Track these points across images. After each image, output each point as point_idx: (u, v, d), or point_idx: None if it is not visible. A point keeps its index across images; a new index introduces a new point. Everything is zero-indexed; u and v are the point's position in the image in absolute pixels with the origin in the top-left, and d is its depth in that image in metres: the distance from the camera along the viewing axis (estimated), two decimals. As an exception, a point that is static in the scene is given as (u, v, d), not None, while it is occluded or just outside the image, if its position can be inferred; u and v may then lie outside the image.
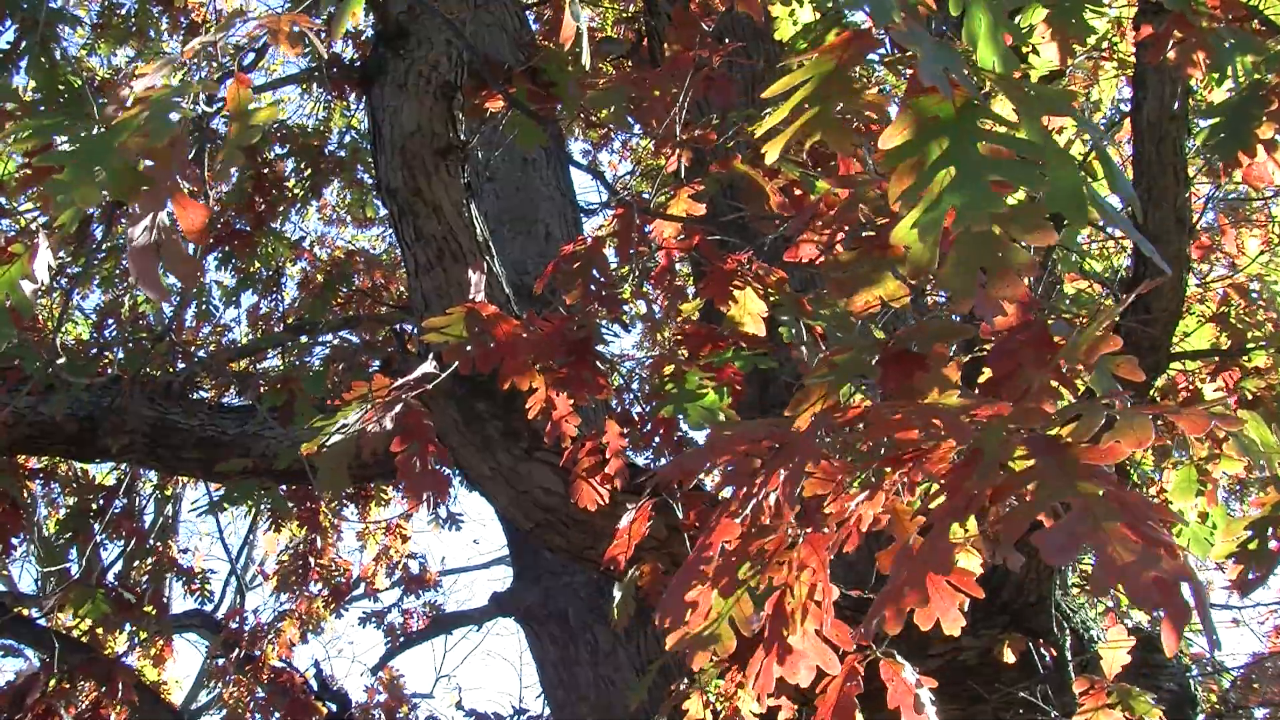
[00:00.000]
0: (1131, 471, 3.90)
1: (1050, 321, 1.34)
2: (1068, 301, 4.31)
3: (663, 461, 3.16)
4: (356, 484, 5.79)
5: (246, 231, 5.46)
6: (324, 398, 4.61)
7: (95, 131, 1.34)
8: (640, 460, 3.85)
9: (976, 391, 1.38)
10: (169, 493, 6.94)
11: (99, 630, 5.54)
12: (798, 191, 2.59)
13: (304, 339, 5.75)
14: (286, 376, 5.01)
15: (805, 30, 3.19)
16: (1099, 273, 4.75)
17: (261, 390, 4.85)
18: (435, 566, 8.43)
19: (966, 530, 1.38)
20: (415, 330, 3.39)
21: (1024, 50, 2.61)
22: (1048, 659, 3.01)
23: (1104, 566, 0.90)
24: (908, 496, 1.33)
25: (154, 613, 5.68)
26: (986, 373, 1.37)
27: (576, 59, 3.19)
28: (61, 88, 2.48)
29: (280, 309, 6.33)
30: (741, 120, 3.08)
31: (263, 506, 4.72)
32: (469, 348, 2.13)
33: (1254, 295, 4.02)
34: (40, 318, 5.29)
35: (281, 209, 5.74)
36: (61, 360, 4.17)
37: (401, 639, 7.31)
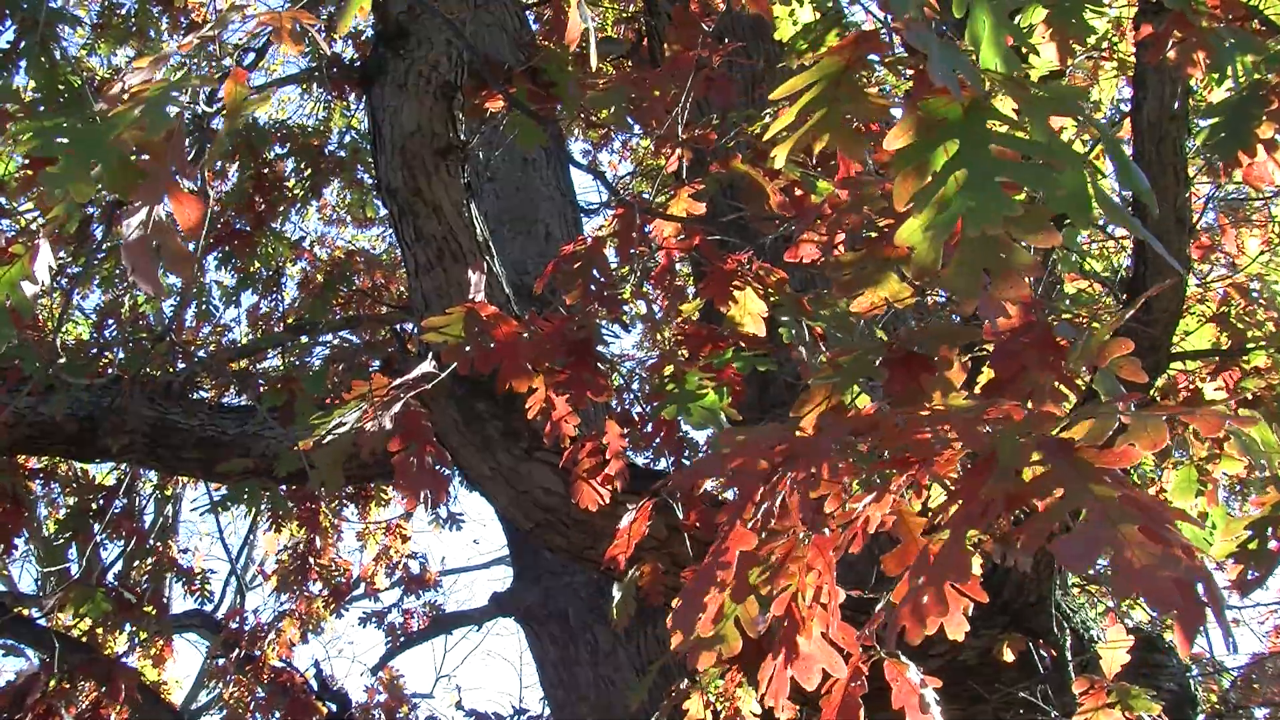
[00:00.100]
0: (1132, 471, 3.90)
1: (1053, 323, 1.34)
2: (1068, 301, 4.31)
3: (663, 462, 3.16)
4: (356, 484, 5.79)
5: (246, 231, 5.46)
6: (324, 398, 4.61)
7: (90, 125, 1.34)
8: (640, 460, 3.85)
9: (978, 392, 1.37)
10: (169, 493, 6.94)
11: (99, 630, 5.54)
12: (798, 191, 2.59)
13: (304, 339, 5.76)
14: (287, 376, 5.01)
15: (805, 30, 3.19)
16: (1099, 272, 4.75)
17: (261, 390, 4.85)
18: (435, 566, 8.43)
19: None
20: (415, 330, 3.39)
21: (1024, 51, 2.61)
22: (1048, 659, 3.01)
23: (1124, 571, 0.90)
24: (915, 499, 1.33)
25: (154, 613, 5.68)
26: (987, 373, 1.37)
27: (581, 59, 3.19)
28: (61, 87, 2.48)
29: (280, 309, 6.34)
30: (741, 120, 3.08)
31: (263, 507, 4.72)
32: (468, 348, 2.13)
33: (1254, 295, 4.02)
34: (40, 318, 5.29)
35: (281, 209, 5.74)
36: (61, 360, 4.17)
37: (401, 639, 7.31)
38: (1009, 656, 2.94)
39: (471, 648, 39.34)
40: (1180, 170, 2.89)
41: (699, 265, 4.16)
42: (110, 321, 5.69)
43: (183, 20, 6.28)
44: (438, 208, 3.03)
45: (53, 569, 5.75)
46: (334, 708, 5.93)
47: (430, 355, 2.31)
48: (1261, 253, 4.60)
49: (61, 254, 4.74)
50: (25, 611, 5.43)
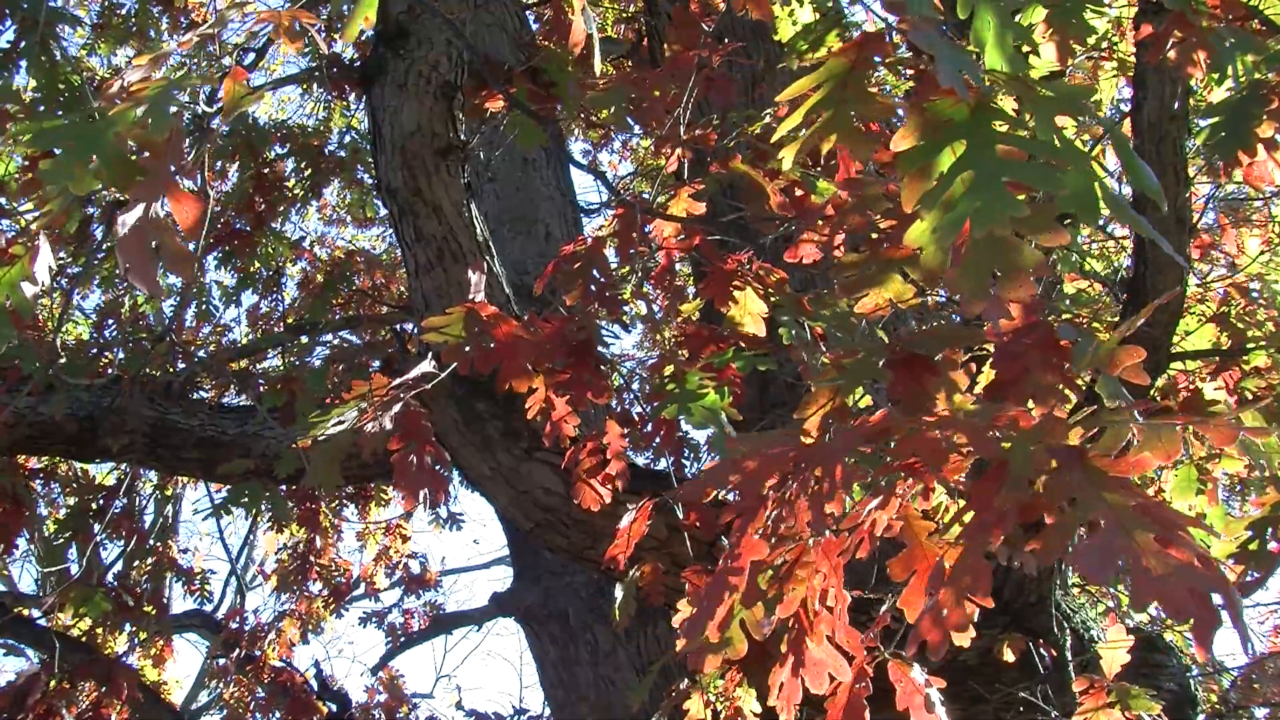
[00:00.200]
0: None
1: (1055, 324, 1.34)
2: (1068, 301, 4.31)
3: (663, 462, 3.16)
4: (356, 484, 5.79)
5: (246, 231, 5.46)
6: (324, 397, 4.61)
7: (89, 122, 1.34)
8: (640, 460, 3.85)
9: (980, 393, 1.37)
10: (169, 493, 6.94)
11: (99, 630, 5.54)
12: (798, 191, 2.59)
13: (304, 339, 5.75)
14: (287, 376, 5.00)
15: (805, 30, 3.19)
16: (1099, 272, 4.75)
17: (262, 391, 4.85)
18: (435, 566, 8.43)
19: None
20: (415, 330, 3.39)
21: (1024, 51, 2.60)
22: (1048, 659, 3.01)
23: (1141, 582, 0.90)
24: (922, 503, 1.33)
25: (154, 613, 5.68)
26: (988, 373, 1.37)
27: (582, 62, 3.19)
28: (62, 86, 2.48)
29: (280, 309, 6.33)
30: (742, 120, 3.08)
31: (264, 508, 4.72)
32: (468, 348, 2.13)
33: (1254, 295, 4.02)
34: (40, 318, 5.29)
35: (281, 209, 5.74)
36: (61, 360, 4.17)
37: (402, 639, 7.31)
38: (1009, 656, 2.94)
39: (472, 648, 39.36)
40: (1180, 170, 2.89)
41: (699, 265, 4.16)
42: (110, 321, 5.69)
43: (183, 20, 6.28)
44: (438, 208, 3.03)
45: (53, 569, 5.75)
46: (334, 708, 5.93)
47: (430, 355, 2.31)
48: (1261, 253, 4.59)
49: (61, 254, 4.74)
50: (25, 611, 5.43)
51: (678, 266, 3.34)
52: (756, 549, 1.25)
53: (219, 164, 5.72)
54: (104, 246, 4.73)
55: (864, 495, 1.32)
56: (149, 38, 5.89)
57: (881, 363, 1.41)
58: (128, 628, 5.69)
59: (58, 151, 1.30)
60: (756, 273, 2.37)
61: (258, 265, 5.70)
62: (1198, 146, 3.08)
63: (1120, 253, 5.02)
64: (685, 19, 3.07)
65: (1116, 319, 3.42)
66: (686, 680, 2.53)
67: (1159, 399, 3.56)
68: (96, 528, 5.18)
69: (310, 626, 6.74)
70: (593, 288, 2.42)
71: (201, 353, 6.01)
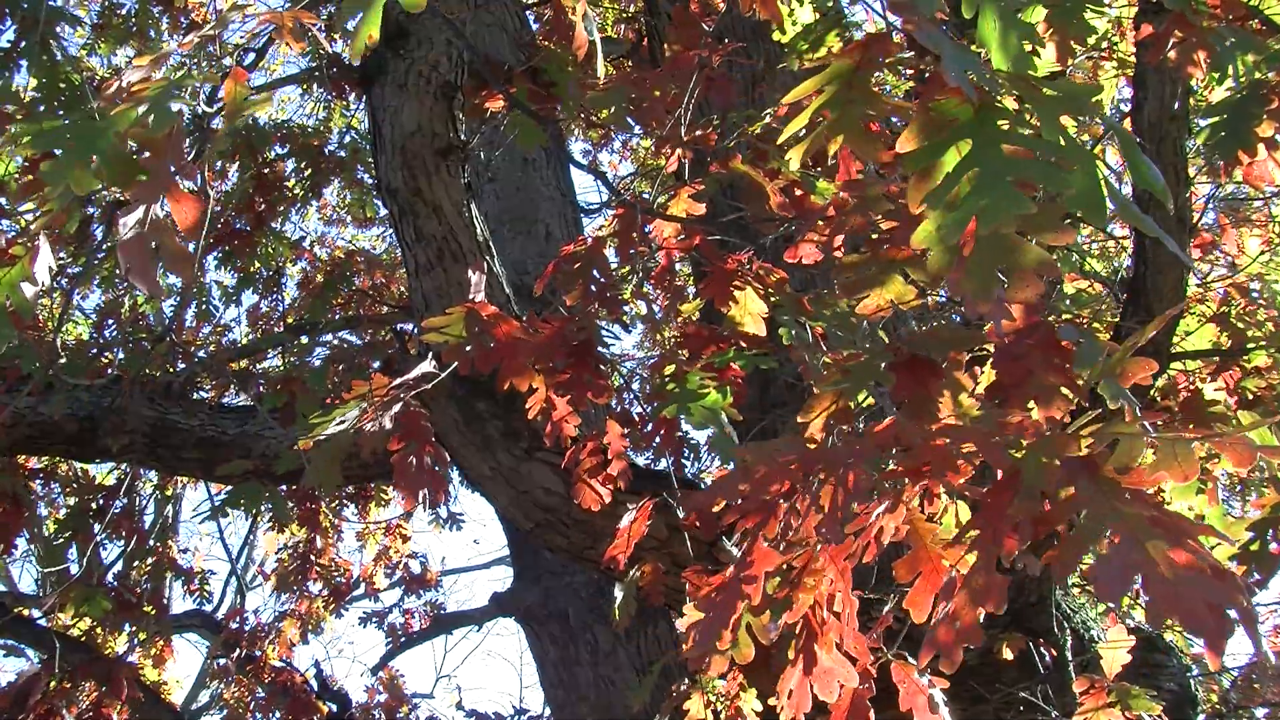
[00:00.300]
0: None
1: (1056, 325, 1.34)
2: (1068, 301, 4.31)
3: (663, 462, 3.16)
4: (356, 484, 5.79)
5: (246, 231, 5.46)
6: (325, 397, 4.61)
7: (90, 121, 1.34)
8: (641, 460, 3.85)
9: (981, 395, 1.37)
10: (169, 493, 6.94)
11: (99, 630, 5.54)
12: (798, 192, 2.59)
13: (304, 339, 5.75)
14: (287, 377, 5.01)
15: (805, 30, 3.19)
16: (1099, 272, 4.75)
17: (262, 391, 4.85)
18: (436, 566, 8.43)
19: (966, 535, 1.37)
20: (415, 330, 3.39)
21: (1029, 50, 2.60)
22: (1048, 659, 3.01)
23: (1157, 596, 0.89)
24: (929, 507, 1.33)
25: (154, 613, 5.68)
26: (988, 374, 1.37)
27: (585, 67, 3.19)
28: (62, 85, 2.48)
29: (280, 309, 6.33)
30: (742, 120, 3.08)
31: (263, 509, 4.72)
32: (469, 348, 2.13)
33: (1254, 295, 4.02)
34: (40, 318, 5.29)
35: (281, 209, 5.74)
36: (61, 360, 4.17)
37: (402, 639, 7.31)
38: (1009, 656, 2.94)
39: (472, 648, 39.35)
40: (1180, 170, 2.89)
41: (699, 265, 4.16)
42: (110, 321, 5.69)
43: (183, 20, 6.28)
44: (438, 208, 3.03)
45: (53, 569, 5.74)
46: (334, 708, 5.94)
47: (430, 355, 2.31)
48: (1261, 253, 4.59)
49: (61, 254, 4.74)
50: (25, 611, 5.43)
51: (678, 266, 3.34)
52: (769, 558, 1.25)
53: (219, 164, 5.72)
54: (104, 246, 4.73)
55: (870, 499, 1.32)
56: (149, 38, 5.89)
57: (885, 366, 1.41)
58: (128, 628, 5.69)
59: (58, 152, 1.30)
60: (757, 273, 2.37)
61: (258, 265, 5.70)
62: (1198, 146, 3.08)
63: (1120, 253, 5.02)
64: (685, 19, 3.07)
65: (1117, 319, 3.42)
66: (687, 681, 2.53)
67: (1159, 399, 3.56)
68: (96, 528, 5.18)
69: (310, 626, 6.74)
70: (593, 288, 2.42)
71: (201, 353, 6.01)
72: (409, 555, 7.40)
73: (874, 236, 1.62)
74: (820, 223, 1.90)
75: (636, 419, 2.81)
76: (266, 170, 5.49)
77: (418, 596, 7.40)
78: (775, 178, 2.59)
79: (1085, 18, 2.12)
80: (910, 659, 1.54)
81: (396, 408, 2.09)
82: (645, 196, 3.17)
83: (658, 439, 2.41)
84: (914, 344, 1.41)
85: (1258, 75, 2.33)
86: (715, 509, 1.25)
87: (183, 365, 5.03)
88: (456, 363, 2.15)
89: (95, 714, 4.98)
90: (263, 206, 5.47)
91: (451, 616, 7.57)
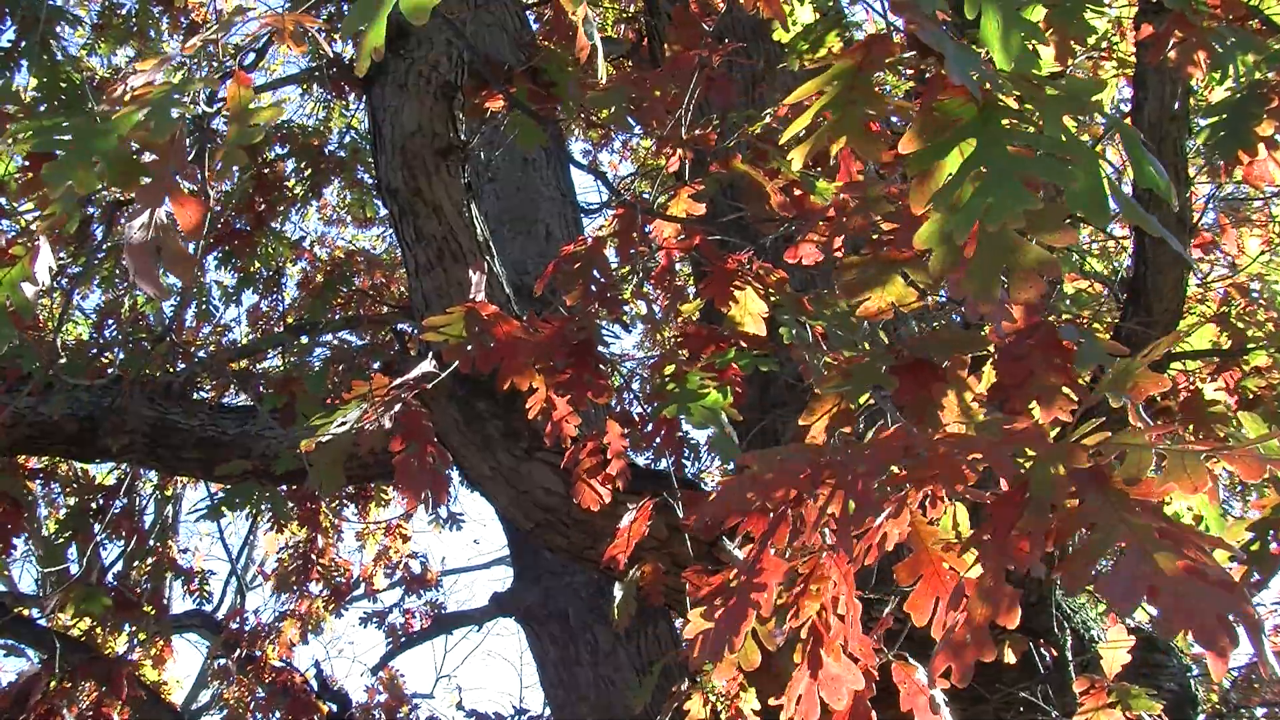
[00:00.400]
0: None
1: (1057, 325, 1.34)
2: (1068, 301, 4.31)
3: (663, 462, 3.16)
4: (356, 484, 5.79)
5: (246, 231, 5.46)
6: (324, 398, 4.61)
7: (93, 124, 1.34)
8: (641, 460, 3.85)
9: (982, 395, 1.37)
10: (169, 493, 6.94)
11: (99, 630, 5.54)
12: (798, 192, 2.59)
13: (304, 339, 5.75)
14: (287, 377, 5.01)
15: (806, 31, 3.19)
16: (1099, 272, 4.75)
17: (262, 392, 4.85)
18: (435, 566, 8.43)
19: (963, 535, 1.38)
20: (415, 330, 3.39)
21: (1034, 49, 2.60)
22: (1048, 659, 3.01)
23: (1167, 609, 0.89)
24: (931, 511, 1.33)
25: (154, 613, 5.68)
26: (988, 374, 1.37)
27: (584, 68, 3.19)
28: (63, 84, 2.48)
29: (280, 309, 6.33)
30: (742, 120, 3.08)
31: (263, 508, 4.72)
32: (469, 347, 2.13)
33: (1254, 295, 4.02)
34: (40, 318, 5.29)
35: (281, 209, 5.73)
36: (61, 360, 4.17)
37: (402, 639, 7.31)
38: (1009, 657, 2.94)
39: (472, 648, 39.36)
40: (1180, 170, 2.89)
41: (699, 265, 4.16)
42: (110, 321, 5.69)
43: (183, 20, 6.28)
44: (438, 208, 3.03)
45: (53, 569, 5.75)
46: (334, 708, 5.94)
47: (430, 355, 2.31)
48: (1261, 253, 4.60)
49: (61, 254, 4.74)
50: (25, 611, 5.43)
51: (678, 266, 3.34)
52: (777, 568, 1.25)
53: (218, 164, 5.71)
54: (104, 246, 4.73)
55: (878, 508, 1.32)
56: (149, 38, 5.89)
57: (886, 369, 1.41)
58: (128, 628, 5.69)
59: (60, 153, 1.30)
60: (757, 272, 2.37)
61: (258, 265, 5.70)
62: (1198, 146, 3.08)
63: (1120, 253, 5.02)
64: (685, 19, 3.07)
65: (1117, 319, 3.42)
66: (687, 681, 2.53)
67: (1159, 399, 3.56)
68: (96, 528, 5.18)
69: (310, 626, 6.74)
70: (593, 288, 2.42)
71: (201, 353, 6.01)
72: (409, 555, 7.40)
73: (875, 238, 1.62)
74: (821, 223, 1.90)
75: (636, 419, 2.81)
76: (266, 170, 5.49)
77: (418, 596, 7.40)
78: (775, 177, 2.59)
79: (1085, 18, 2.12)
80: (911, 660, 1.54)
81: (397, 408, 2.09)
82: (645, 196, 3.17)
83: (658, 439, 2.41)
84: (916, 347, 1.41)
85: (1258, 75, 2.33)
86: (725, 520, 1.24)
87: (183, 365, 5.03)
88: (457, 362, 2.15)
89: (95, 714, 4.98)
90: (263, 206, 5.47)
91: (451, 616, 7.57)
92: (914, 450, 1.17)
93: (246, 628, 6.44)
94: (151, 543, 5.81)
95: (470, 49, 3.10)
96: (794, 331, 2.17)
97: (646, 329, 7.57)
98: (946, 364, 1.45)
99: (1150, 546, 0.93)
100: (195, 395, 5.02)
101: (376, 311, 5.99)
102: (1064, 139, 1.11)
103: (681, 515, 2.71)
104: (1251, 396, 3.51)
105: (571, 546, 3.10)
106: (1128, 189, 4.15)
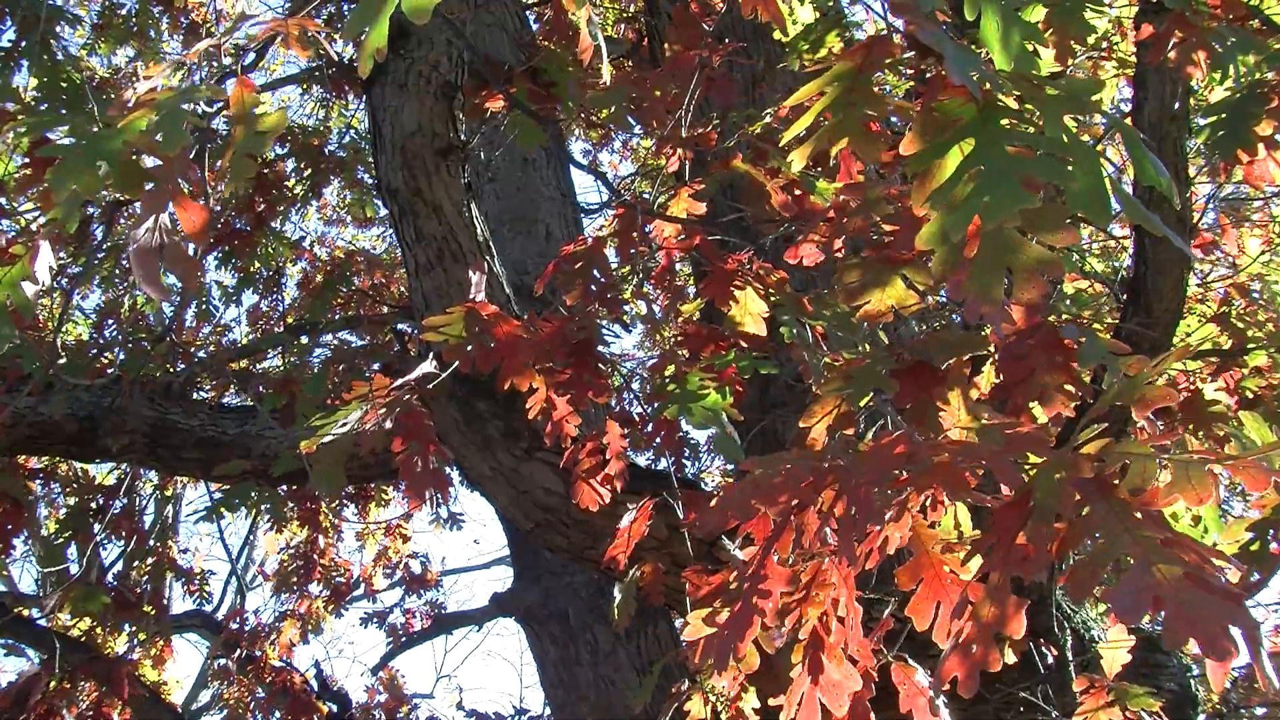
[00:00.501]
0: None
1: (1058, 325, 1.34)
2: (1068, 301, 4.31)
3: (663, 462, 3.16)
4: (356, 484, 5.79)
5: (246, 231, 5.46)
6: (324, 399, 4.61)
7: (98, 129, 1.34)
8: (641, 460, 3.85)
9: (983, 395, 1.37)
10: (169, 493, 6.94)
11: (98, 630, 5.54)
12: (798, 192, 2.59)
13: (304, 339, 5.75)
14: (287, 378, 5.01)
15: (806, 31, 3.19)
16: (1099, 272, 4.75)
17: (262, 393, 4.85)
18: (436, 566, 8.44)
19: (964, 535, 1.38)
20: (415, 330, 3.39)
21: (1033, 49, 2.60)
22: (1048, 659, 3.01)
23: (1172, 620, 0.89)
24: (932, 515, 1.33)
25: (154, 613, 5.68)
26: (989, 375, 1.37)
27: (585, 68, 3.19)
28: (64, 84, 2.48)
29: (280, 309, 6.33)
30: (742, 120, 3.08)
31: (263, 509, 4.72)
32: (469, 347, 2.13)
33: (1254, 295, 4.02)
34: (40, 318, 5.28)
35: (281, 209, 5.73)
36: (61, 360, 4.16)
37: (402, 639, 7.31)
38: (1010, 656, 2.94)
39: (472, 648, 39.35)
40: (1180, 170, 2.89)
41: (699, 265, 4.16)
42: (110, 321, 5.69)
43: (183, 20, 6.28)
44: (438, 208, 3.03)
45: (53, 569, 5.74)
46: (334, 708, 5.94)
47: (431, 355, 2.31)
48: (1262, 253, 4.60)
49: (61, 254, 4.74)
50: (25, 611, 5.42)
51: (678, 266, 3.34)
52: (781, 576, 1.25)
53: (218, 164, 5.72)
54: (104, 246, 4.73)
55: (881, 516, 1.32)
56: (149, 38, 5.89)
57: (887, 371, 1.41)
58: (128, 628, 5.69)
59: (63, 157, 1.30)
60: (757, 272, 2.37)
61: (258, 265, 5.70)
62: (1198, 146, 3.08)
63: (1120, 253, 5.02)
64: (685, 19, 3.07)
65: (1117, 319, 3.42)
66: (687, 681, 2.53)
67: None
68: (96, 528, 5.18)
69: (310, 627, 6.74)
70: (593, 288, 2.42)
71: (201, 353, 6.01)
72: (409, 555, 7.40)
73: (875, 239, 1.62)
74: (821, 224, 1.90)
75: (636, 419, 2.81)
76: (266, 170, 5.49)
77: (418, 596, 7.40)
78: (775, 177, 2.59)
79: (1085, 18, 2.12)
80: (910, 661, 1.54)
81: (397, 408, 2.09)
82: (645, 196, 3.17)
83: (658, 439, 2.41)
84: (916, 350, 1.41)
85: (1258, 75, 2.33)
86: (728, 526, 1.24)
87: (183, 365, 5.03)
88: (457, 363, 2.15)
89: (95, 714, 4.98)
90: (263, 206, 5.47)
91: (451, 616, 7.57)
92: (917, 458, 1.17)
93: (246, 628, 6.44)
94: (151, 543, 5.81)
95: (470, 49, 3.10)
96: (794, 332, 2.17)
97: (646, 329, 7.58)
98: (947, 366, 1.45)
99: (1155, 558, 0.93)
100: (195, 395, 5.02)
101: (376, 312, 5.99)
102: (1064, 139, 1.10)
103: (681, 515, 2.71)
104: (1251, 396, 3.51)
105: (571, 546, 3.10)
106: (1128, 189, 4.15)
